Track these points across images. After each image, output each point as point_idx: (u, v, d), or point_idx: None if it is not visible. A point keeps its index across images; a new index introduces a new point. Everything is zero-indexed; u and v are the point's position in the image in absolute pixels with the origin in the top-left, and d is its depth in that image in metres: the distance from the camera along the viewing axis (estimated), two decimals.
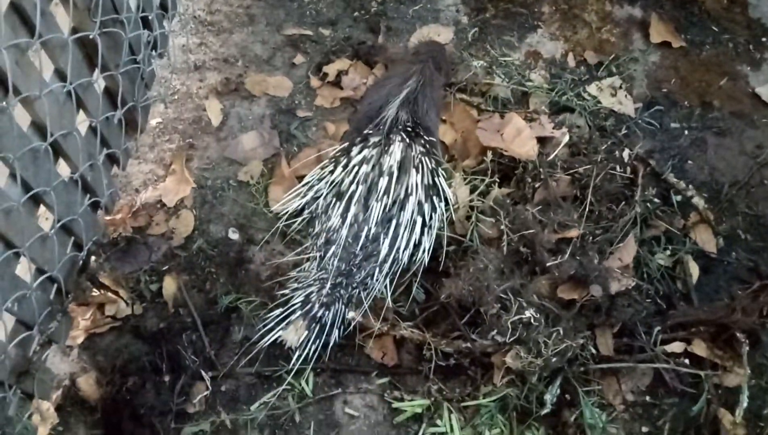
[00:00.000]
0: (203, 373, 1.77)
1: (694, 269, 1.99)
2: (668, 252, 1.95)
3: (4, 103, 1.30)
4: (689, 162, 2.22)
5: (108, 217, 1.94)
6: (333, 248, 1.73)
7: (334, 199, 1.73)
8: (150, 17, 1.95)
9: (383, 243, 1.71)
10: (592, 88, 2.31)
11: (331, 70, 2.27)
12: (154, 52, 2.07)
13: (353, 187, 1.71)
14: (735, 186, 2.16)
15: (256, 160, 2.10)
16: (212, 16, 2.40)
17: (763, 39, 2.50)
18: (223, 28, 2.37)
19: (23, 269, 1.53)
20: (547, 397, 1.71)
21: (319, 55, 2.33)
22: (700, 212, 2.05)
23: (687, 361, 1.83)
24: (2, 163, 1.39)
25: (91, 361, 1.79)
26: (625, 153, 1.99)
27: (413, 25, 2.42)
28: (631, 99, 2.31)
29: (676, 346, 1.85)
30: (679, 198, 2.09)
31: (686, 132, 2.28)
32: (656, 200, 2.02)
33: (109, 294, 1.84)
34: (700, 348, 1.86)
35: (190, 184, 2.04)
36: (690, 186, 2.09)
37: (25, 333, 1.55)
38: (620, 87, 2.32)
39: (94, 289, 1.84)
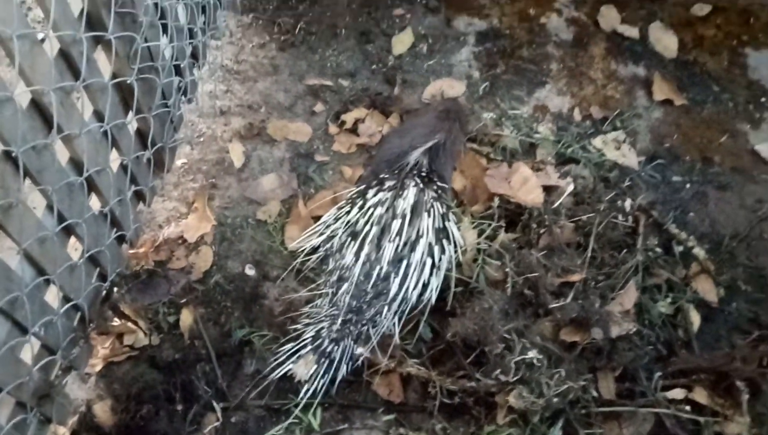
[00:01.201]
0: (215, 403, 1.83)
1: (696, 318, 2.04)
2: (669, 300, 2.01)
3: (49, 140, 1.42)
4: (691, 214, 2.30)
5: (132, 251, 2.04)
6: (345, 285, 1.81)
7: (349, 239, 1.81)
8: (182, 65, 2.09)
9: (393, 282, 1.79)
10: (597, 142, 2.41)
11: (348, 118, 2.39)
12: (183, 98, 2.20)
13: (367, 227, 1.80)
14: (735, 238, 2.23)
15: (274, 200, 2.21)
16: (239, 66, 2.55)
17: (763, 99, 2.61)
18: (249, 77, 2.52)
19: (51, 296, 1.62)
20: None
21: (337, 104, 2.46)
22: (701, 262, 2.12)
23: (688, 407, 1.87)
24: (40, 195, 1.50)
25: (108, 389, 1.86)
26: (627, 203, 2.07)
27: (427, 79, 2.56)
28: (635, 152, 2.40)
29: (677, 393, 1.89)
30: (680, 248, 2.16)
31: (688, 185, 2.36)
32: (658, 250, 2.09)
33: (129, 324, 1.92)
34: (701, 395, 1.90)
35: (210, 221, 2.15)
36: (691, 237, 2.16)
37: (48, 357, 1.62)
38: (624, 141, 2.42)
39: (115, 319, 1.92)
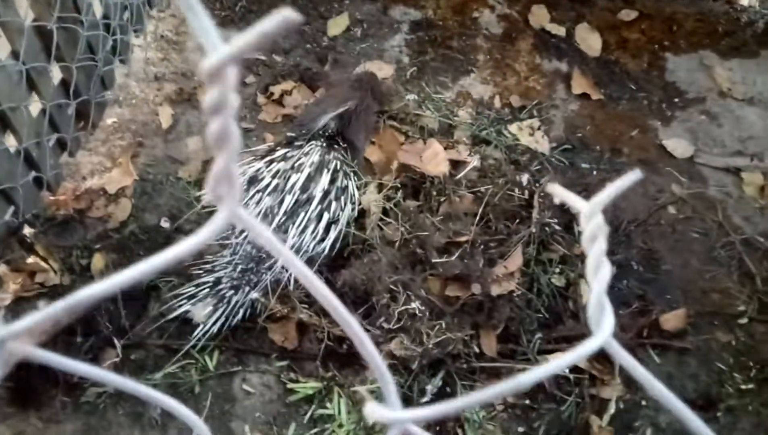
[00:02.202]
0: (115, 340, 1.91)
1: (585, 291, 2.17)
2: (558, 271, 2.13)
3: None
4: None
5: (52, 197, 2.13)
6: (248, 235, 1.91)
7: (255, 192, 1.92)
8: (112, 24, 2.20)
9: (291, 233, 1.89)
10: (512, 127, 2.54)
11: (276, 90, 2.51)
12: (115, 58, 2.31)
13: (269, 179, 1.91)
14: (633, 222, 2.36)
15: (196, 160, 2.31)
16: (178, 37, 2.66)
17: (676, 99, 2.76)
18: (186, 48, 2.63)
19: None
20: (429, 387, 1.85)
21: (268, 77, 2.57)
22: None
23: (567, 370, 1.99)
24: None
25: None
26: (525, 178, 2.20)
27: (358, 60, 2.68)
28: (548, 139, 2.54)
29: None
30: (579, 228, 2.28)
31: (595, 172, 2.50)
32: (556, 226, 2.21)
33: (42, 263, 2.00)
34: (581, 360, 2.02)
35: (132, 176, 2.24)
36: None
37: None
38: (538, 128, 2.56)
39: (30, 258, 2.00)
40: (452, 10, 2.92)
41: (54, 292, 1.99)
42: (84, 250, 2.08)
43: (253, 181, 1.97)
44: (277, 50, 2.68)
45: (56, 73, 2.00)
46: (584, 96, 2.70)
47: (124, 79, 2.47)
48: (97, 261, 2.06)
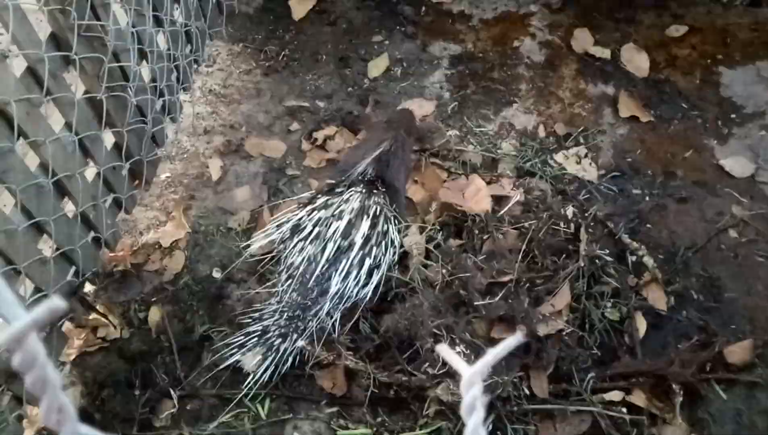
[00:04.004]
0: (171, 391, 1.98)
1: (642, 324, 2.08)
2: (610, 305, 2.06)
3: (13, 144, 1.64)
4: (648, 225, 2.34)
5: (111, 254, 2.24)
6: (293, 283, 1.95)
7: (297, 240, 1.97)
8: (160, 87, 2.31)
9: (334, 280, 1.92)
10: (558, 157, 2.50)
11: (320, 135, 2.57)
12: (166, 117, 2.42)
13: (310, 228, 1.95)
14: (691, 249, 2.26)
15: (245, 210, 2.38)
16: (226, 90, 2.77)
17: (733, 115, 2.64)
18: (234, 100, 2.73)
19: (24, 287, 1.82)
20: None
21: (312, 123, 2.64)
22: (651, 271, 2.16)
23: (625, 410, 1.91)
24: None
25: (80, 377, 2.04)
26: (569, 210, 2.15)
27: (399, 99, 2.71)
28: (596, 166, 2.48)
29: (615, 395, 1.94)
30: (633, 258, 2.21)
31: (647, 198, 2.41)
32: (607, 258, 2.14)
33: (103, 319, 2.11)
34: (639, 398, 1.93)
35: (185, 228, 2.34)
36: (642, 246, 2.21)
37: None
38: (585, 155, 2.50)
39: (91, 314, 2.11)
40: (492, 41, 2.91)
41: (115, 346, 2.09)
42: (141, 303, 2.17)
43: (295, 229, 2.01)
44: (320, 96, 2.74)
45: (109, 138, 2.12)
46: (633, 119, 2.63)
47: (174, 135, 2.59)
48: (153, 314, 2.15)
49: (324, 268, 1.92)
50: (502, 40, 2.92)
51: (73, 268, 2.05)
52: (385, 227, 2.01)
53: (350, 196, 2.00)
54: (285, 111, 2.70)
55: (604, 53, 2.83)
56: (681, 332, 2.11)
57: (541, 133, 2.60)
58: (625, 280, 2.15)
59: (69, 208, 1.98)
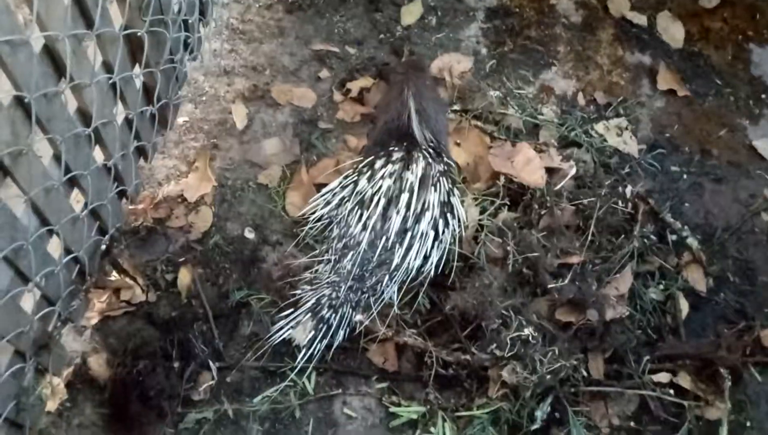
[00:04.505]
0: (210, 363, 1.84)
1: (684, 306, 2.09)
2: (661, 286, 2.05)
3: (60, 88, 1.39)
4: (686, 204, 2.33)
5: (131, 207, 2.02)
6: (351, 253, 1.82)
7: (357, 208, 1.82)
8: (190, 21, 2.05)
9: (397, 252, 1.80)
10: (599, 127, 2.42)
11: (354, 86, 2.38)
12: (188, 55, 2.17)
13: (376, 198, 1.80)
14: (727, 231, 2.27)
15: (276, 164, 2.19)
16: (244, 25, 2.50)
17: (763, 96, 2.64)
18: (254, 38, 2.48)
19: (53, 247, 1.60)
20: (538, 413, 1.79)
21: (343, 72, 2.44)
22: (693, 252, 2.15)
23: (672, 391, 1.93)
24: (47, 145, 1.48)
25: (103, 343, 1.85)
26: (628, 189, 2.10)
27: (435, 52, 2.54)
28: (636, 140, 2.42)
29: (663, 377, 1.95)
30: (674, 237, 2.19)
31: (685, 176, 2.40)
32: (653, 237, 2.12)
33: (127, 279, 1.91)
34: (685, 380, 1.96)
35: (211, 182, 2.13)
36: (686, 227, 2.20)
37: (48, 308, 1.61)
38: (626, 128, 2.44)
39: (113, 274, 1.91)
40: None
41: (141, 311, 1.90)
42: (168, 263, 1.98)
43: (357, 198, 1.86)
44: (349, 41, 2.53)
45: (138, 79, 1.86)
46: (670, 92, 2.58)
47: (192, 73, 2.33)
48: (183, 276, 1.97)
49: (387, 240, 1.79)
50: None
51: (97, 225, 1.83)
52: (447, 198, 1.89)
53: (414, 164, 1.86)
54: (312, 55, 2.47)
55: (641, 19, 2.74)
56: (719, 314, 2.14)
57: (581, 100, 2.52)
58: (667, 259, 2.14)
59: (98, 157, 1.74)
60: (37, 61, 1.28)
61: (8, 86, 1.24)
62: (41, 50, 1.32)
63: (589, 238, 1.97)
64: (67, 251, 1.65)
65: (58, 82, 1.41)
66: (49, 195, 1.47)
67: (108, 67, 1.63)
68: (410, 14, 2.61)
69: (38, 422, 1.71)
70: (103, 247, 1.87)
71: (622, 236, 2.02)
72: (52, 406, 1.74)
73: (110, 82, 1.63)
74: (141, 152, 2.03)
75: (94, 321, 1.88)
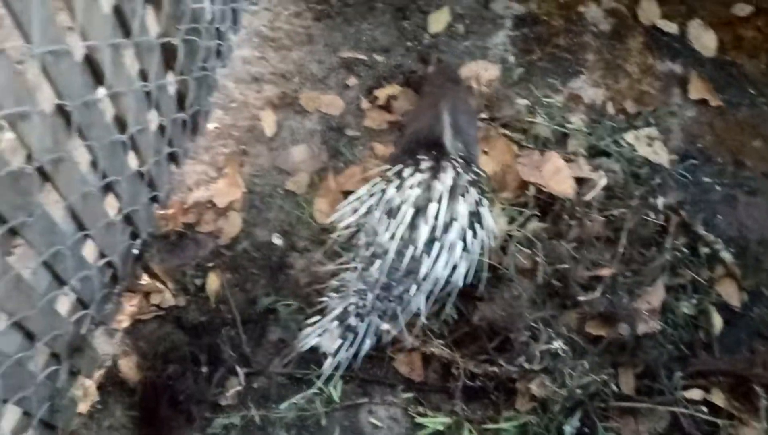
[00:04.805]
0: (238, 368, 1.85)
1: (718, 321, 2.05)
2: (694, 301, 2.01)
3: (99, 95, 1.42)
4: (719, 217, 2.29)
5: (162, 212, 2.04)
6: (378, 262, 1.81)
7: (385, 217, 1.82)
8: (222, 28, 2.07)
9: (425, 262, 1.79)
10: (629, 136, 2.39)
11: (381, 94, 2.38)
12: (219, 62, 2.19)
13: (404, 207, 1.80)
14: (762, 244, 2.22)
15: (304, 171, 2.20)
16: (274, 33, 2.52)
17: None
18: (283, 45, 2.50)
19: (88, 251, 1.63)
20: (567, 428, 1.77)
21: (371, 79, 2.44)
22: (727, 266, 2.11)
23: (705, 409, 1.89)
24: (85, 151, 1.50)
25: (134, 346, 1.87)
26: (660, 201, 2.07)
27: (462, 60, 2.53)
28: (667, 150, 2.39)
29: (695, 393, 1.91)
30: (707, 250, 2.15)
31: (718, 187, 2.36)
32: (685, 250, 2.09)
33: (157, 283, 1.93)
34: (718, 398, 1.92)
35: (240, 188, 2.15)
36: (719, 239, 2.16)
37: (82, 311, 1.64)
38: (657, 138, 2.41)
39: (144, 278, 1.93)
40: (556, 4, 2.74)
41: (171, 315, 1.92)
42: (197, 268, 2.00)
43: (381, 204, 1.86)
44: (377, 49, 2.53)
45: (172, 86, 1.88)
46: (702, 102, 2.54)
47: (222, 80, 2.35)
48: (212, 281, 1.98)
49: (415, 250, 1.78)
50: (566, 4, 2.75)
51: (130, 230, 1.85)
52: (476, 208, 1.88)
53: (444, 174, 1.85)
54: (340, 62, 2.48)
55: (672, 27, 2.71)
56: (753, 330, 2.09)
57: (610, 109, 2.49)
58: (699, 272, 2.11)
59: (133, 164, 1.76)
60: (79, 70, 1.31)
61: (50, 94, 1.27)
62: (82, 59, 1.35)
63: (620, 250, 1.95)
64: (102, 255, 1.68)
65: (95, 90, 1.43)
66: (86, 200, 1.50)
67: (144, 75, 1.66)
68: (437, 22, 2.61)
69: (70, 424, 1.73)
70: (136, 251, 1.90)
71: (654, 248, 1.99)
72: (83, 407, 1.76)
73: (146, 89, 1.65)
74: (172, 158, 2.05)
75: (125, 324, 1.90)
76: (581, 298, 1.78)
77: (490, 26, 2.65)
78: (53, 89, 1.27)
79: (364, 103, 2.39)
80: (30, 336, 1.40)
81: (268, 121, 2.30)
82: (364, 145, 2.31)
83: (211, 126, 2.27)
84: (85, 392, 1.76)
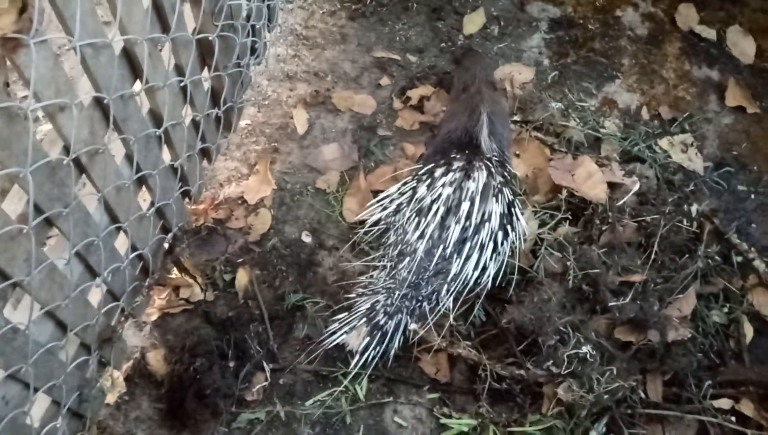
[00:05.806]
0: (265, 364, 1.86)
1: (749, 330, 2.01)
2: (725, 309, 1.98)
3: (136, 89, 1.44)
4: (753, 225, 2.25)
5: (193, 207, 2.06)
6: (407, 260, 1.81)
7: (414, 215, 1.81)
8: (257, 26, 2.08)
9: (455, 262, 1.79)
10: (663, 142, 2.36)
11: (414, 94, 2.38)
12: (254, 59, 2.20)
13: (435, 206, 1.79)
14: None
15: (334, 170, 2.21)
16: (308, 31, 2.54)
17: None
18: (317, 44, 2.51)
19: (120, 244, 1.65)
20: (593, 433, 1.75)
21: (404, 79, 2.44)
22: (760, 275, 2.07)
23: (733, 418, 1.85)
24: (120, 144, 1.52)
25: (162, 339, 1.90)
26: (693, 208, 2.04)
27: (497, 62, 2.52)
28: (701, 157, 2.35)
29: (724, 403, 1.88)
30: (740, 259, 2.11)
31: (752, 196, 2.31)
32: (718, 258, 2.05)
33: (187, 278, 1.95)
34: (747, 408, 1.88)
35: (271, 185, 2.16)
36: (752, 248, 2.12)
37: (113, 303, 1.66)
38: (691, 144, 2.37)
39: (173, 272, 1.95)
40: (593, 8, 2.71)
41: (199, 309, 1.94)
42: (227, 264, 2.01)
43: (413, 203, 1.85)
44: (411, 49, 2.53)
45: (207, 82, 1.90)
46: (739, 109, 2.50)
47: (256, 78, 2.37)
48: (241, 276, 2.00)
49: (444, 249, 1.78)
50: (603, 7, 2.72)
51: (161, 223, 1.87)
52: (507, 210, 1.87)
53: (476, 173, 1.85)
54: (373, 62, 2.49)
55: (710, 33, 2.67)
56: None
57: (645, 114, 2.46)
58: (732, 281, 2.07)
59: (166, 158, 1.78)
60: (117, 63, 1.33)
61: (88, 87, 1.29)
62: (120, 53, 1.37)
63: (652, 256, 1.92)
64: (133, 248, 1.70)
65: (132, 84, 1.45)
66: (120, 193, 1.51)
67: (180, 71, 1.68)
68: (472, 23, 2.60)
69: (98, 414, 1.75)
70: (166, 245, 1.92)
71: (686, 256, 1.96)
72: (111, 398, 1.79)
73: (181, 84, 1.67)
74: (205, 153, 2.07)
75: (154, 317, 1.92)
76: (611, 304, 1.75)
77: (524, 29, 2.64)
78: (91, 82, 1.29)
79: (397, 103, 2.39)
80: (61, 326, 1.42)
81: (300, 119, 2.31)
82: (395, 145, 2.31)
83: (243, 123, 2.29)
84: (114, 383, 1.78)
